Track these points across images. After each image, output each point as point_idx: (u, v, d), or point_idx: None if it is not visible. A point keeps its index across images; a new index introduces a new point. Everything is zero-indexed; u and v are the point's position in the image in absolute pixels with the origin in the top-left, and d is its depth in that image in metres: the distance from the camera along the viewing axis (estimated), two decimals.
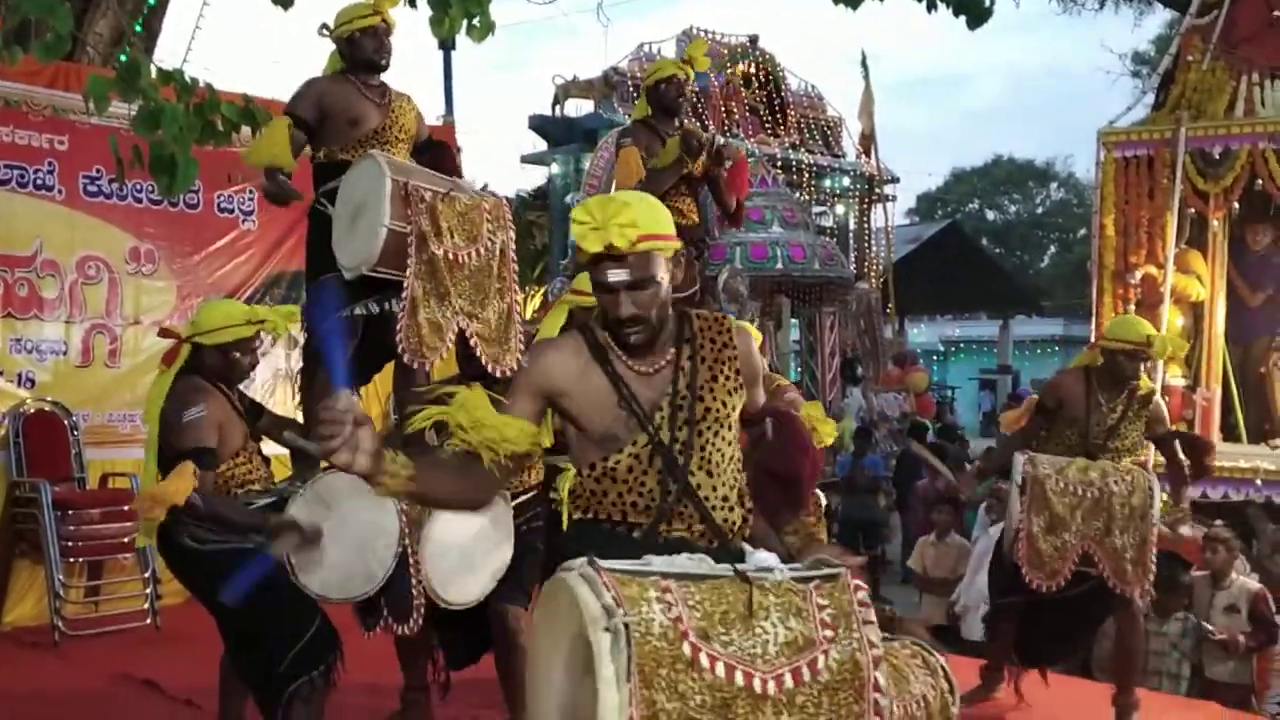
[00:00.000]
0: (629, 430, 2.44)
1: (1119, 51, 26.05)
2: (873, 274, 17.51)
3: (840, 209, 18.13)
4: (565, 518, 2.51)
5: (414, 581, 4.10)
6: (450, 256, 4.22)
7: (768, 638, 2.12)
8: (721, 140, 5.72)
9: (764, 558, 2.28)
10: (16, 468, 6.40)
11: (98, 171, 6.89)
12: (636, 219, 2.36)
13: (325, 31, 4.67)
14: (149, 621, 6.36)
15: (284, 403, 7.15)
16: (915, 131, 75.27)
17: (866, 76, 17.31)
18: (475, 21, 4.83)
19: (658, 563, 2.20)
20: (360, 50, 4.63)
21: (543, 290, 15.54)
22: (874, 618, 2.25)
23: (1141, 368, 5.10)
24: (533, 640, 2.27)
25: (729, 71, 15.94)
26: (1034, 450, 5.09)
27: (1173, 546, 7.38)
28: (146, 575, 6.41)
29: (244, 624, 3.96)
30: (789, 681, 2.11)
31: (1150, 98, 9.01)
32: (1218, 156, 7.91)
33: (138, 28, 7.86)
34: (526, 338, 4.37)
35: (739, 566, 2.21)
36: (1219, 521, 7.17)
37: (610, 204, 2.38)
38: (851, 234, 17.93)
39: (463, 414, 2.41)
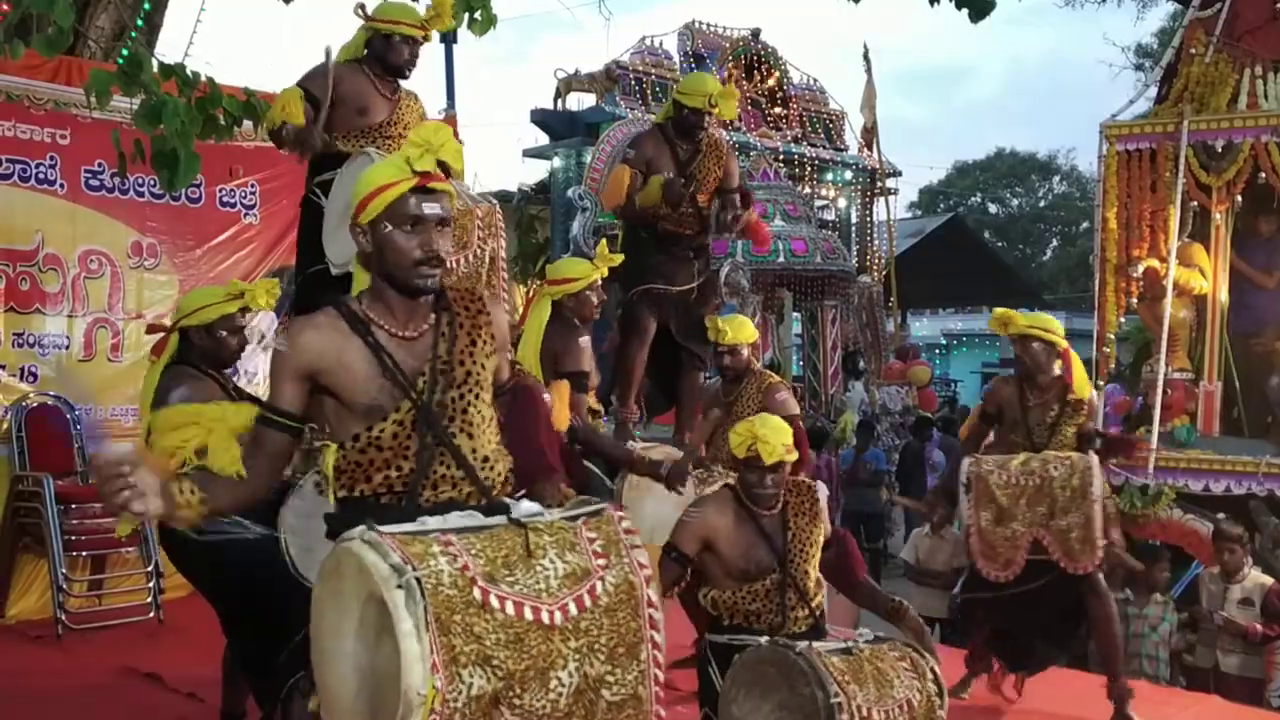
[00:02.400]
0: (393, 398, 2.47)
1: (1121, 44, 26.02)
2: (875, 267, 17.51)
3: (842, 202, 18.11)
4: (332, 496, 2.53)
5: None
6: None
7: (548, 573, 2.28)
8: (732, 214, 5.63)
9: (529, 506, 2.40)
10: (19, 462, 6.40)
11: (99, 166, 6.88)
12: (461, 152, 2.52)
13: (360, 13, 4.56)
14: (152, 615, 6.36)
15: None
16: (917, 125, 75.30)
17: (869, 70, 17.29)
18: (477, 15, 4.84)
19: (433, 522, 2.32)
20: (394, 54, 4.56)
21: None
22: (640, 542, 2.44)
23: (1046, 356, 5.14)
24: (316, 618, 2.30)
25: (730, 65, 15.93)
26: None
27: (1179, 541, 7.41)
28: (149, 569, 6.42)
29: (245, 617, 3.97)
30: (573, 609, 2.28)
31: (1153, 91, 8.98)
32: (1220, 149, 7.88)
33: (139, 22, 7.86)
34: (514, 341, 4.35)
35: (511, 515, 2.37)
36: (1222, 515, 7.17)
37: (442, 131, 2.48)
38: (853, 227, 17.93)
39: (202, 439, 2.58)
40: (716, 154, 5.70)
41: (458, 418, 2.51)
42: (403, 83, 4.78)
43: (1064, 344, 5.18)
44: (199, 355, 4.09)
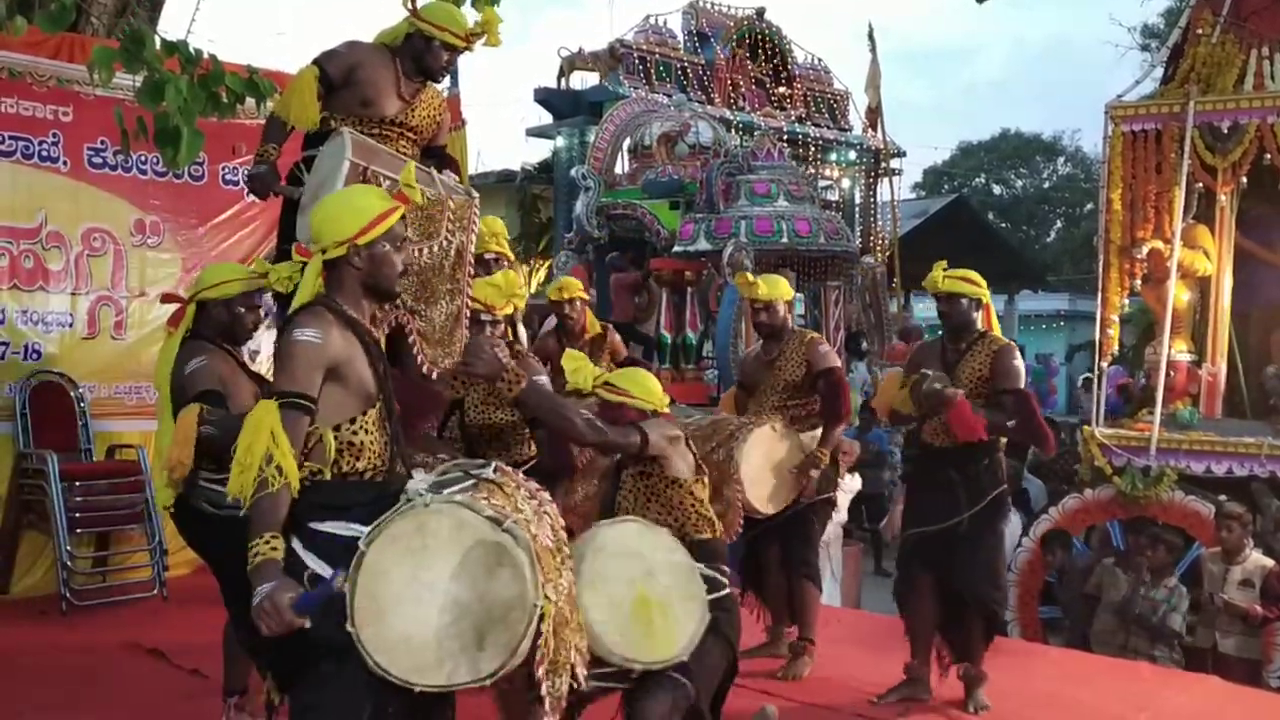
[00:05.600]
0: (377, 388, 2.85)
1: (1128, 25, 25.86)
2: (878, 248, 17.47)
3: (846, 183, 18.07)
4: (329, 473, 2.76)
5: None
6: None
7: (525, 511, 2.81)
8: None
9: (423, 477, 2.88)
10: (24, 439, 6.43)
11: (102, 143, 6.87)
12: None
13: (409, 6, 4.39)
14: (156, 592, 6.40)
15: None
16: (922, 105, 74.96)
17: (873, 49, 17.20)
18: None
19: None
20: (432, 57, 4.42)
21: (548, 264, 15.52)
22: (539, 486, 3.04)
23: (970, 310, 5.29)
24: (374, 580, 2.58)
25: (734, 44, 15.88)
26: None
27: (1181, 523, 7.43)
28: (153, 546, 6.46)
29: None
30: (561, 536, 2.94)
31: (1159, 72, 8.95)
32: (1226, 131, 7.86)
33: None
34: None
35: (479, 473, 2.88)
36: (1223, 497, 7.18)
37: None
38: (857, 208, 17.88)
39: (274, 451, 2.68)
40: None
41: (393, 405, 2.92)
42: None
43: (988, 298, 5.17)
44: (215, 329, 4.12)
